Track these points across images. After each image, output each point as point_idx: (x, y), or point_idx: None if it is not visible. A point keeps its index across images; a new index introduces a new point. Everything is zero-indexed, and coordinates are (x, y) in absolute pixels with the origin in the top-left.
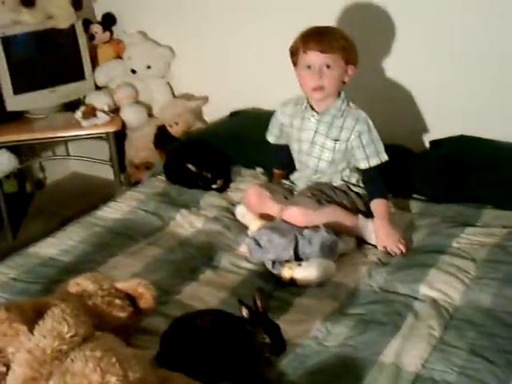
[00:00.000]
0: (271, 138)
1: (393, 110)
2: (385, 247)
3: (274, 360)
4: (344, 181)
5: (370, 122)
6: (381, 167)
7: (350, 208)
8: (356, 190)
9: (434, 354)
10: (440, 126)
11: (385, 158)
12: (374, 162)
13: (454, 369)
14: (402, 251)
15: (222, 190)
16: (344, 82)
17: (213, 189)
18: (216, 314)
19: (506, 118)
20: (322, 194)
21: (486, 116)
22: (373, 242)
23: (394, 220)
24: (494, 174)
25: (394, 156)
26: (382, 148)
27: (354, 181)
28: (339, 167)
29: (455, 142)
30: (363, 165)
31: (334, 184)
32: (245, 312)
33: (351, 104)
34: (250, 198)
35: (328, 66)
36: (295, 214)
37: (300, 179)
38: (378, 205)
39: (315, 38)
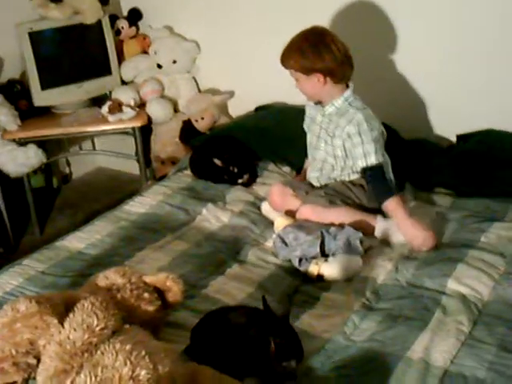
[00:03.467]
0: (305, 126)
1: (418, 104)
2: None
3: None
4: (359, 174)
5: (365, 125)
6: (373, 169)
7: (367, 205)
8: None
9: (463, 349)
10: (467, 120)
11: (372, 161)
12: (360, 164)
13: (483, 364)
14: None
15: (248, 184)
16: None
17: (239, 183)
18: (249, 310)
19: None
20: (336, 194)
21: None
22: (399, 241)
23: (417, 213)
24: None
25: (420, 151)
26: (372, 150)
27: None
28: (348, 163)
29: (483, 136)
30: (357, 164)
31: (351, 178)
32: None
33: (356, 103)
34: (272, 196)
35: (294, 77)
36: (306, 212)
37: (312, 174)
38: (386, 207)
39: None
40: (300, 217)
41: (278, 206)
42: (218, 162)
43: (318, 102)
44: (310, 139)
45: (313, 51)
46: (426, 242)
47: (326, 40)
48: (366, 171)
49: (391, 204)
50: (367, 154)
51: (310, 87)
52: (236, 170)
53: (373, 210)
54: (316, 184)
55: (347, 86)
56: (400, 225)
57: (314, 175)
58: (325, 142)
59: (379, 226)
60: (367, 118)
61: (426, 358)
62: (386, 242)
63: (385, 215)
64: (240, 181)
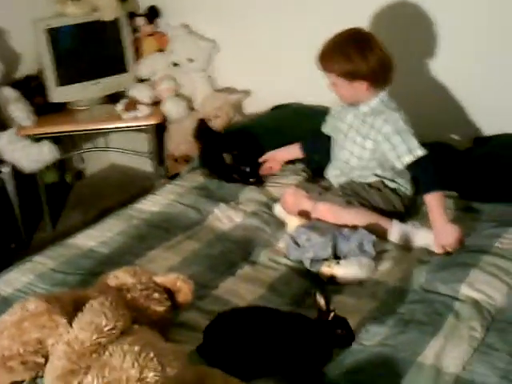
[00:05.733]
0: (324, 128)
1: (435, 107)
2: (443, 247)
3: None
4: (378, 176)
5: (401, 123)
6: (421, 162)
7: (383, 208)
8: (392, 185)
9: (476, 356)
10: (484, 123)
11: (418, 153)
12: (407, 159)
13: (496, 372)
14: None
15: (258, 183)
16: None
17: (250, 183)
18: (263, 311)
19: None
20: (353, 195)
21: None
22: (420, 243)
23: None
24: None
25: (437, 153)
26: (415, 145)
27: (389, 177)
28: (370, 165)
29: (501, 140)
30: (398, 165)
31: (368, 180)
32: (322, 302)
33: (391, 105)
34: (286, 200)
35: (332, 82)
36: (323, 211)
37: (331, 172)
38: (429, 199)
39: (318, 57)
40: (316, 214)
41: (291, 209)
42: (227, 157)
43: (351, 104)
44: (336, 137)
45: (359, 56)
46: (456, 241)
47: (371, 44)
48: (416, 164)
49: (436, 196)
50: (412, 148)
51: (349, 92)
52: (248, 170)
53: (388, 214)
54: (334, 183)
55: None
56: (437, 220)
57: (333, 174)
58: (353, 142)
59: (395, 229)
60: (402, 117)
61: (438, 363)
62: (399, 245)
63: (401, 219)
64: (252, 180)
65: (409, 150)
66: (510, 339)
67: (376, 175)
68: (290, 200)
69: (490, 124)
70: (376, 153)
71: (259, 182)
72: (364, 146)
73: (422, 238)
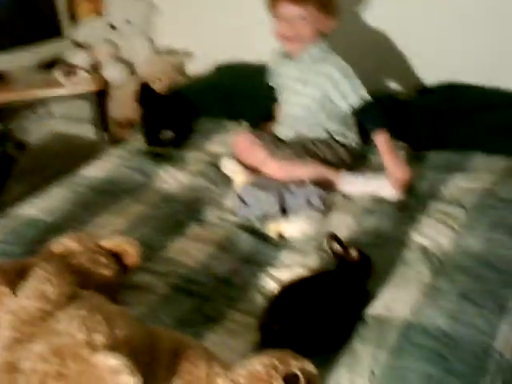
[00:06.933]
0: (271, 82)
1: (379, 58)
2: (398, 183)
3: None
4: (327, 132)
5: (350, 70)
6: (367, 106)
7: (333, 162)
8: (341, 140)
9: (425, 300)
10: (428, 74)
11: (366, 97)
12: (355, 100)
13: (444, 314)
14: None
15: (175, 143)
16: (323, 32)
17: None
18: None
19: (495, 62)
20: (303, 149)
21: (475, 63)
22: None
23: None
24: (482, 119)
25: (382, 104)
26: (362, 89)
27: (337, 131)
28: (319, 117)
29: (443, 89)
30: (344, 106)
31: (318, 137)
32: (337, 247)
33: (330, 51)
34: (239, 144)
35: (301, 18)
36: (275, 169)
37: (281, 129)
38: (379, 137)
39: None
40: (266, 171)
41: (243, 156)
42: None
43: (287, 56)
44: (281, 94)
45: None
46: (408, 179)
47: None
48: (363, 109)
49: (385, 137)
50: (360, 92)
51: (311, 28)
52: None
53: (337, 167)
54: (284, 137)
55: None
56: (389, 158)
57: (282, 129)
58: (299, 94)
59: (344, 179)
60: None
61: (388, 311)
62: (348, 197)
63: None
64: (163, 137)
65: (357, 94)
66: (458, 282)
67: (326, 131)
68: (242, 145)
69: (433, 74)
70: (324, 101)
71: (176, 142)
72: (310, 95)
73: (371, 184)
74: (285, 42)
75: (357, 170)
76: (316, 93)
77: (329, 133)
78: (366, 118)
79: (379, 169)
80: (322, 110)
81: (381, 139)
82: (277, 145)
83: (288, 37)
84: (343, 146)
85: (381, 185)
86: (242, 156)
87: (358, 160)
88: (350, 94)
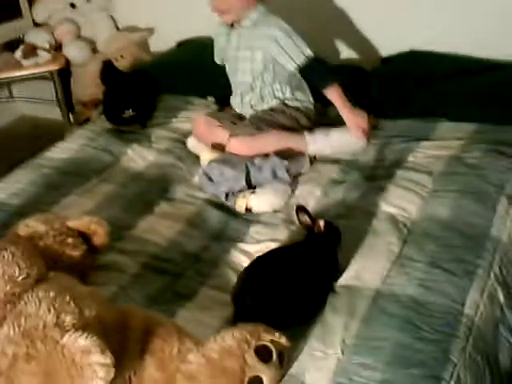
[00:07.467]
0: (217, 59)
1: (341, 28)
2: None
3: None
4: (278, 98)
5: (288, 27)
6: (311, 63)
7: (291, 127)
8: (294, 104)
9: (394, 268)
10: (390, 42)
11: (309, 53)
12: (301, 59)
13: (414, 282)
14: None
15: (137, 120)
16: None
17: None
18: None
19: (456, 30)
20: (261, 121)
21: (438, 30)
22: (326, 152)
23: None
24: (446, 86)
25: (345, 75)
26: (305, 46)
27: (288, 96)
28: (266, 82)
29: (406, 57)
30: (290, 66)
31: (271, 105)
32: (306, 218)
33: (268, 13)
34: (198, 128)
35: None
36: (238, 146)
37: (234, 100)
38: (330, 94)
39: None
40: (231, 150)
41: (204, 137)
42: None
43: (231, 25)
44: (228, 65)
45: None
46: (365, 124)
47: None
48: (305, 65)
49: (336, 89)
50: (303, 50)
51: (243, 2)
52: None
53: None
54: (239, 110)
55: None
56: (344, 108)
57: (235, 101)
58: (244, 60)
59: (309, 140)
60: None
61: (358, 281)
62: (313, 168)
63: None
64: (124, 116)
65: (300, 52)
66: (426, 249)
67: (278, 99)
68: (201, 128)
69: (396, 43)
70: (270, 63)
71: (137, 119)
72: (255, 59)
73: (333, 137)
74: (221, 15)
75: (317, 129)
76: (261, 56)
77: (281, 100)
78: (313, 76)
79: (340, 122)
80: (269, 73)
81: (333, 94)
82: (234, 122)
83: (222, 10)
84: (297, 109)
85: (343, 136)
86: (202, 139)
87: (318, 119)
88: (295, 52)
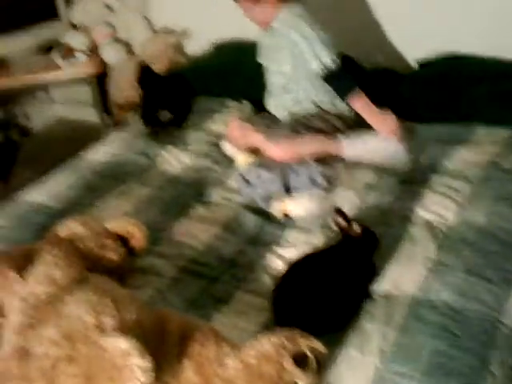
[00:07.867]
0: (259, 59)
1: (376, 33)
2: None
3: None
4: (314, 103)
5: (310, 32)
6: (332, 71)
7: (328, 131)
8: (331, 109)
9: (431, 275)
10: (426, 46)
11: (326, 61)
12: (315, 67)
13: (451, 290)
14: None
15: (175, 124)
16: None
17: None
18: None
19: (495, 32)
20: (297, 124)
21: (472, 33)
22: (363, 157)
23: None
24: (483, 90)
25: (382, 80)
26: (323, 54)
27: (325, 100)
28: (300, 85)
29: (444, 61)
30: (316, 67)
31: (306, 109)
32: (340, 219)
33: (296, 18)
34: (232, 132)
35: (245, 11)
36: (274, 150)
37: (269, 102)
38: (354, 102)
39: None
40: (268, 155)
41: (238, 141)
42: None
43: (267, 26)
44: (265, 67)
45: None
46: (394, 126)
47: None
48: (324, 73)
49: (359, 100)
50: (319, 55)
51: (260, 15)
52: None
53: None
54: (273, 111)
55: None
56: (371, 119)
57: (271, 103)
58: (273, 61)
59: (344, 144)
60: (307, 21)
61: (395, 288)
62: (351, 172)
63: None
64: (161, 118)
65: (315, 57)
66: (463, 256)
67: (312, 102)
68: (235, 133)
69: (433, 46)
70: (295, 66)
71: (175, 122)
72: (283, 61)
73: (370, 141)
74: (254, 23)
75: (353, 134)
76: (288, 59)
77: (317, 104)
78: (333, 85)
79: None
80: (301, 76)
81: (357, 104)
82: (269, 125)
83: (252, 20)
84: (334, 114)
85: (379, 140)
86: (237, 143)
87: (355, 126)
88: (311, 58)
